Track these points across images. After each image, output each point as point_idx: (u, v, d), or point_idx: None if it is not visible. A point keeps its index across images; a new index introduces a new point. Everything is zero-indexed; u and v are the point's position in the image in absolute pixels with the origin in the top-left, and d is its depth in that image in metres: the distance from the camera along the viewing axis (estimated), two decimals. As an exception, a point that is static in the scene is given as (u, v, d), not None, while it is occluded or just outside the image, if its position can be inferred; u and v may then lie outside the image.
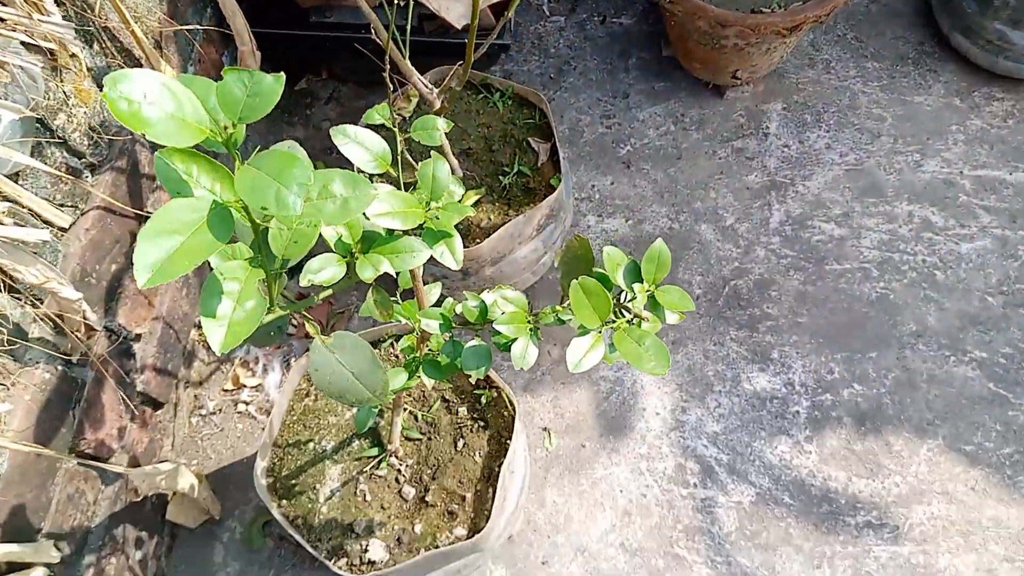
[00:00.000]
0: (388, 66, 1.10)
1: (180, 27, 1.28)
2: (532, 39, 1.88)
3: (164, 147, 0.50)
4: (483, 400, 1.22)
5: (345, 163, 0.77)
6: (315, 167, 0.55)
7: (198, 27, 1.37)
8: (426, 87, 1.17)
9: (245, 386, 1.51)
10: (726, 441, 1.44)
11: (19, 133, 0.94)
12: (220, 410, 1.51)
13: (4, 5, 0.94)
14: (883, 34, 1.85)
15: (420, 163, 0.72)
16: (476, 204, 1.34)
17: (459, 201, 1.34)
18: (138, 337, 1.28)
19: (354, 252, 0.66)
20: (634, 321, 0.69)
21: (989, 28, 1.69)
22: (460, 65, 1.04)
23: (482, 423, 1.21)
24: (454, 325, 0.82)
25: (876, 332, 1.52)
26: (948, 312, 1.53)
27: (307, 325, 0.66)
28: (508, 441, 1.17)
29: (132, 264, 1.23)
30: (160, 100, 0.47)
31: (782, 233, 1.62)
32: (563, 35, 1.88)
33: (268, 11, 1.57)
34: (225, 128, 0.50)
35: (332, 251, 0.66)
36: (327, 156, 1.74)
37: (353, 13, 1.59)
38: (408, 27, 1.06)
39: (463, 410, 1.22)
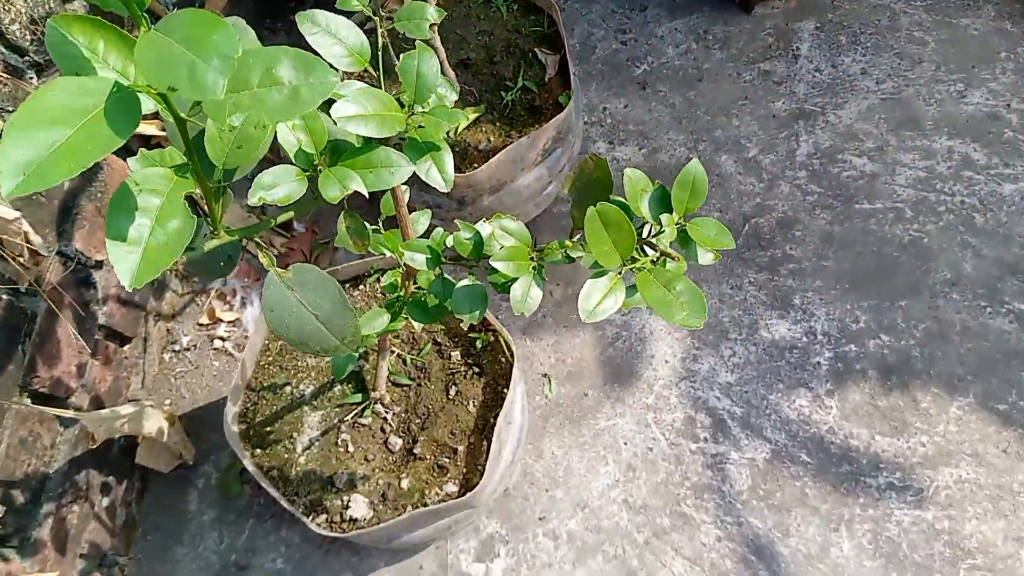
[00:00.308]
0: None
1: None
2: (541, -53, 1.71)
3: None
4: (478, 344, 1.10)
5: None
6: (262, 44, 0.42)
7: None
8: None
9: (222, 320, 1.39)
10: (740, 393, 1.33)
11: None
12: (195, 346, 1.39)
13: None
14: (928, -50, 1.68)
15: (402, 55, 0.58)
16: (474, 123, 1.20)
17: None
18: (99, 264, 1.16)
19: (317, 165, 0.53)
20: (659, 261, 0.56)
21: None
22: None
23: (477, 369, 1.09)
24: (444, 260, 0.69)
25: (907, 279, 1.39)
26: (986, 259, 1.40)
27: (260, 254, 0.53)
28: (505, 390, 1.06)
29: (88, 182, 1.10)
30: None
31: (809, 167, 1.48)
32: (576, -57, 1.71)
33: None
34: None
35: (291, 163, 0.53)
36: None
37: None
38: None
39: (456, 354, 1.10)
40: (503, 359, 1.09)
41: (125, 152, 1.22)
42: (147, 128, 1.16)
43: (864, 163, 1.48)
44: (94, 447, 1.11)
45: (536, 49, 1.22)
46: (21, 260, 0.91)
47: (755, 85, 1.54)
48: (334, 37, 0.63)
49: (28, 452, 1.04)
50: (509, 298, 0.64)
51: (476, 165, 1.14)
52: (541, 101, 1.20)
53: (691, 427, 1.31)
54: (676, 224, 0.59)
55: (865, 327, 1.37)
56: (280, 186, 0.51)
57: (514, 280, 0.64)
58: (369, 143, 0.55)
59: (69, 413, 1.01)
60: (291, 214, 0.56)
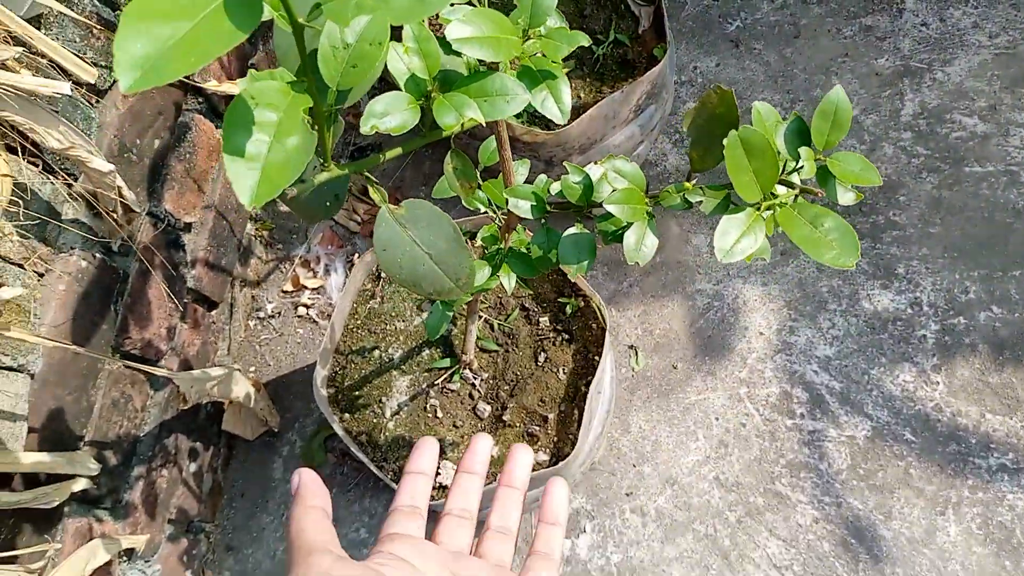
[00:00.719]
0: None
1: None
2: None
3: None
4: (568, 310, 1.06)
5: None
6: None
7: None
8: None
9: (306, 287, 1.39)
10: (840, 367, 1.26)
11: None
12: (279, 313, 1.39)
13: None
14: None
15: (517, -18, 0.54)
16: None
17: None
18: (188, 227, 1.16)
19: (430, 93, 0.49)
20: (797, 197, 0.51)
21: None
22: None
23: (566, 336, 1.05)
24: (550, 208, 0.65)
25: (1021, 247, 1.30)
26: (1112, 225, 1.29)
27: (371, 190, 0.50)
28: (596, 358, 1.02)
29: (177, 141, 1.10)
30: None
31: (915, 128, 1.38)
32: (660, -99, 1.64)
33: None
34: None
35: (401, 91, 0.50)
36: None
37: None
38: None
39: (544, 320, 1.07)
40: (594, 325, 1.05)
41: (213, 115, 1.22)
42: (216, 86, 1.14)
43: (975, 123, 1.38)
44: (185, 407, 1.12)
45: (629, 0, 1.17)
46: (115, 216, 0.91)
47: (856, 41, 1.45)
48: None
49: (120, 414, 1.04)
50: (622, 248, 0.60)
51: (567, 121, 1.10)
52: (634, 55, 1.15)
53: (787, 402, 1.25)
54: (816, 159, 0.53)
55: (975, 298, 1.28)
56: (392, 114, 0.48)
57: (627, 227, 0.60)
58: (481, 70, 0.51)
59: (163, 372, 1.01)
60: (399, 150, 0.53)
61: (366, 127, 0.47)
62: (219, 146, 1.22)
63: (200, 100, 1.18)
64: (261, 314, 1.39)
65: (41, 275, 0.89)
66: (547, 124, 1.10)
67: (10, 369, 0.83)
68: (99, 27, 0.88)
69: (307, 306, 1.37)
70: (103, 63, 0.90)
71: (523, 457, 0.55)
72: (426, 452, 0.52)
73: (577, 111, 1.11)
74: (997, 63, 1.41)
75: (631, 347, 1.31)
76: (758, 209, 0.49)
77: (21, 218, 0.77)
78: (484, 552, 0.49)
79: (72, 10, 0.86)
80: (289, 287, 1.39)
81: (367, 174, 0.51)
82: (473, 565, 0.45)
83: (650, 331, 1.32)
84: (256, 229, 1.36)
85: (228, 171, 0.37)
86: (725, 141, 0.46)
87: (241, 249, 1.32)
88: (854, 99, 1.41)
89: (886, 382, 1.25)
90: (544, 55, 0.53)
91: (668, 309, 1.33)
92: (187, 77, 1.10)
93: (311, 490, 0.45)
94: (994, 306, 1.27)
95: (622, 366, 1.30)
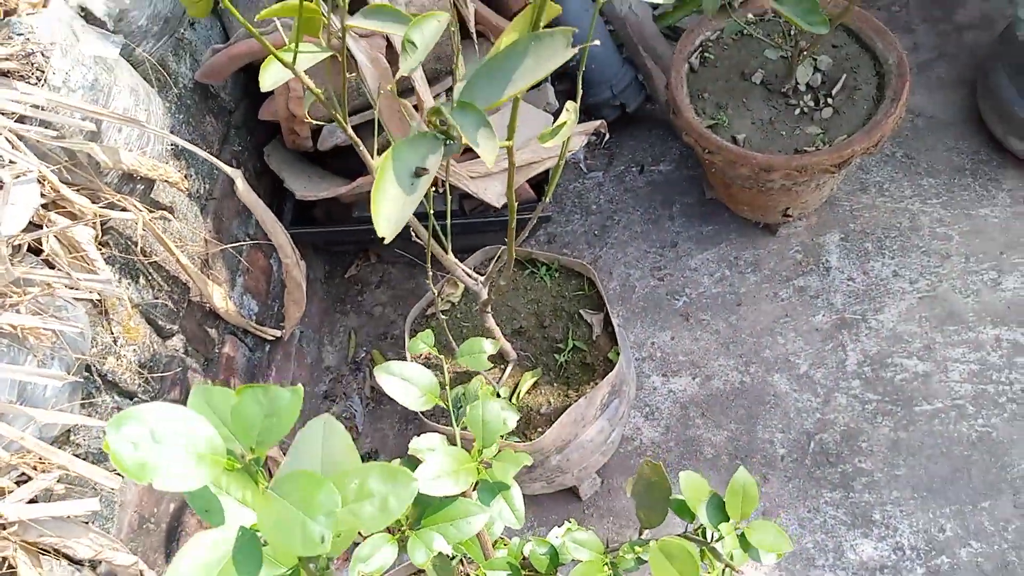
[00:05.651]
0: (430, 270, 1.08)
1: (224, 246, 1.30)
2: (572, 198, 1.88)
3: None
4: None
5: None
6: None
7: (243, 243, 1.39)
8: (471, 278, 1.15)
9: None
10: (839, 620, 1.29)
11: (67, 392, 0.93)
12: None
13: (50, 267, 0.95)
14: (934, 148, 1.79)
15: (467, 409, 0.67)
16: (534, 387, 1.28)
17: (518, 385, 1.28)
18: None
19: (404, 528, 0.60)
20: (726, 573, 0.60)
21: (1046, 131, 1.61)
22: (504, 250, 1.02)
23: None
24: (523, 573, 0.74)
25: (984, 478, 1.37)
26: (1064, 445, 1.38)
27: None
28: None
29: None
30: (169, 436, 0.44)
31: (861, 375, 1.51)
32: (603, 190, 1.87)
33: (313, 209, 1.59)
34: (243, 456, 0.45)
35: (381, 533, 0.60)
36: (381, 342, 1.72)
37: (393, 202, 1.60)
38: (448, 211, 1.04)
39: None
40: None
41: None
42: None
43: (915, 364, 1.51)
44: None
45: (581, 311, 1.33)
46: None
47: (793, 302, 1.61)
48: (407, 381, 0.73)
49: None
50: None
51: (541, 429, 1.21)
52: (592, 358, 1.29)
53: (794, 665, 1.27)
54: (735, 531, 0.63)
55: (953, 535, 1.33)
56: (375, 556, 0.58)
57: (592, 587, 0.69)
58: (447, 497, 0.62)
59: None
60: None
61: (353, 574, 0.57)
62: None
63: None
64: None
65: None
66: (525, 435, 1.22)
67: None
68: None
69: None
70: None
71: None
72: None
73: (549, 417, 1.23)
74: (922, 306, 1.57)
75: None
76: (689, 596, 0.58)
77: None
78: None
79: (96, 411, 1.00)
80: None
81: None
82: None
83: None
84: None
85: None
86: (648, 555, 0.56)
87: None
88: (801, 355, 1.55)
89: (887, 631, 1.27)
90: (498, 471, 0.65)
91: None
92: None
93: None
94: (972, 541, 1.32)
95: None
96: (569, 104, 0.88)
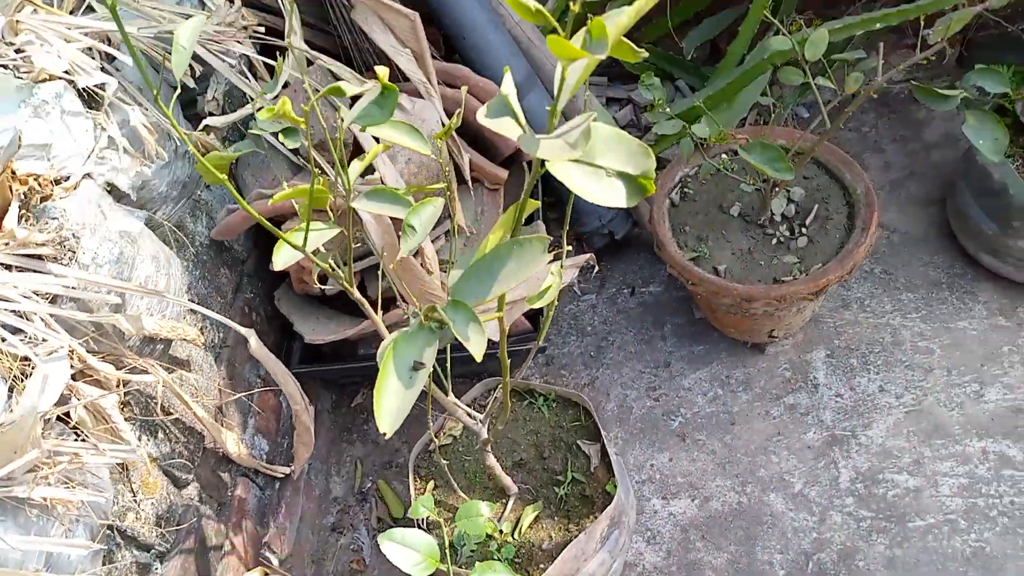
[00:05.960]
0: (431, 413, 1.15)
1: (238, 395, 1.37)
2: (568, 320, 1.96)
3: None
4: None
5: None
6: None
7: (255, 390, 1.46)
8: (471, 417, 1.21)
9: None
10: None
11: (91, 555, 0.98)
12: None
13: (76, 434, 1.02)
14: (910, 263, 1.88)
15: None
16: (535, 521, 1.32)
17: (519, 519, 1.33)
18: None
19: None
20: None
21: (1014, 248, 1.70)
22: (500, 384, 1.09)
23: None
24: None
25: (983, 593, 1.40)
26: (1058, 557, 1.41)
27: None
28: None
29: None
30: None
31: (854, 492, 1.55)
32: (596, 312, 1.96)
33: (321, 346, 1.67)
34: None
35: None
36: (387, 471, 1.76)
37: (396, 335, 1.68)
38: (448, 353, 1.11)
39: None
40: None
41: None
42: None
43: (905, 479, 1.55)
44: None
45: (579, 441, 1.38)
46: None
47: (784, 419, 1.67)
48: (409, 548, 0.78)
49: None
50: None
51: (543, 566, 1.25)
52: (591, 490, 1.34)
53: None
54: None
55: (957, 654, 1.35)
56: None
57: None
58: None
59: None
60: None
61: None
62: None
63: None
64: None
65: None
66: (527, 572, 1.26)
67: None
68: (135, 574, 1.06)
69: None
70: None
71: None
72: None
73: (550, 552, 1.27)
74: (909, 420, 1.62)
75: None
76: None
77: None
78: None
79: (115, 571, 1.05)
80: None
81: None
82: None
83: None
84: None
85: None
86: None
87: None
88: (795, 473, 1.59)
89: None
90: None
91: None
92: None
93: None
94: (976, 659, 1.34)
95: None
96: (554, 267, 0.97)
